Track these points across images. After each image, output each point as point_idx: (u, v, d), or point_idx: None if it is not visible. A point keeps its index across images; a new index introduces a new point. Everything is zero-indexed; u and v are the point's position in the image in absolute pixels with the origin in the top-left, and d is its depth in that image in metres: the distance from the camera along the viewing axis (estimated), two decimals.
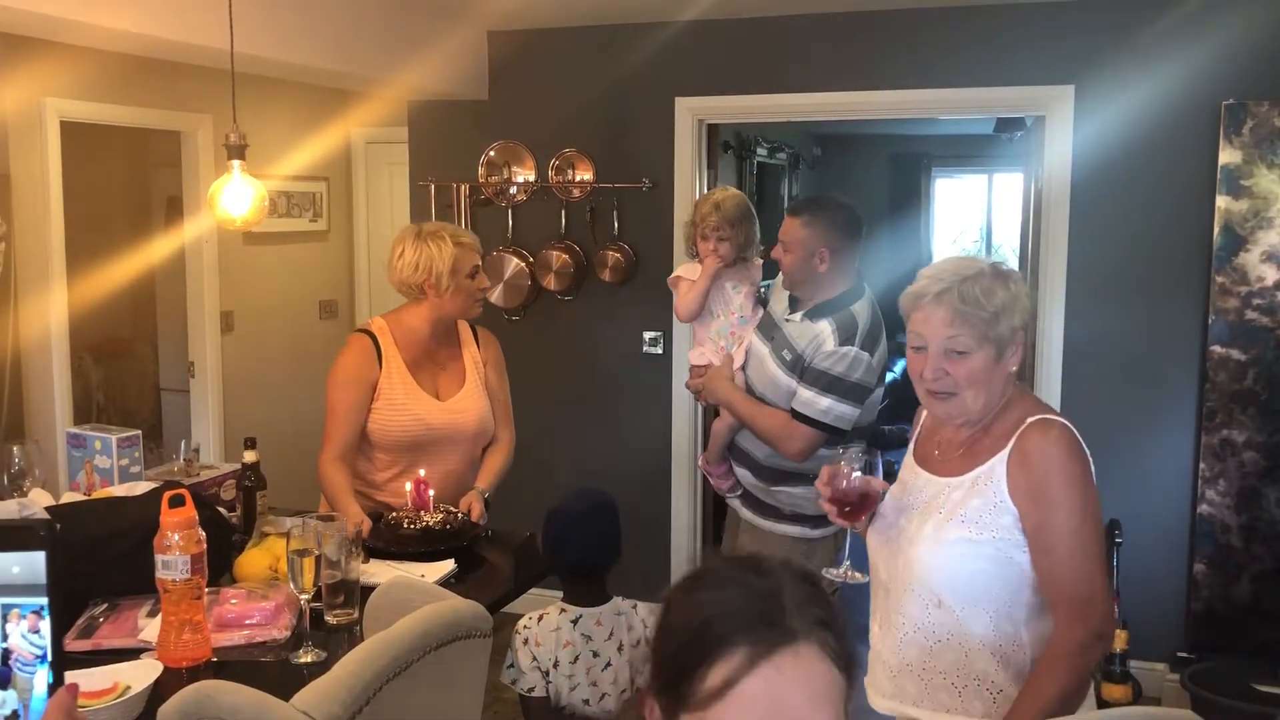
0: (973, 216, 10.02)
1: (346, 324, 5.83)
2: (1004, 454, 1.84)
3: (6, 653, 1.24)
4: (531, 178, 4.54)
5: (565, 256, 4.47)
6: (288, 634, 2.15)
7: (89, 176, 5.23)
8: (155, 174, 5.72)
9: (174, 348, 5.41)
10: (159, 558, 1.99)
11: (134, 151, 5.76)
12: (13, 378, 4.29)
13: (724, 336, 3.14)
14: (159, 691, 1.82)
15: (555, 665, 2.37)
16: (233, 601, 2.20)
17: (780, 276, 3.03)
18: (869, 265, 3.15)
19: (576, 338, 4.59)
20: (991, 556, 1.82)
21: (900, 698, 1.94)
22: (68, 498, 2.61)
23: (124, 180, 5.85)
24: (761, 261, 3.22)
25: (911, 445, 2.10)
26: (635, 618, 2.47)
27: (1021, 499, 1.81)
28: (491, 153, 4.58)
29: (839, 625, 1.03)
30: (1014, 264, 9.00)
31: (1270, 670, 3.67)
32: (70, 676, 1.29)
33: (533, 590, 2.67)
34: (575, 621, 2.40)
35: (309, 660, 2.05)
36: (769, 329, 3.00)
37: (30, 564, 1.24)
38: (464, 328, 3.07)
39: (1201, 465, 3.79)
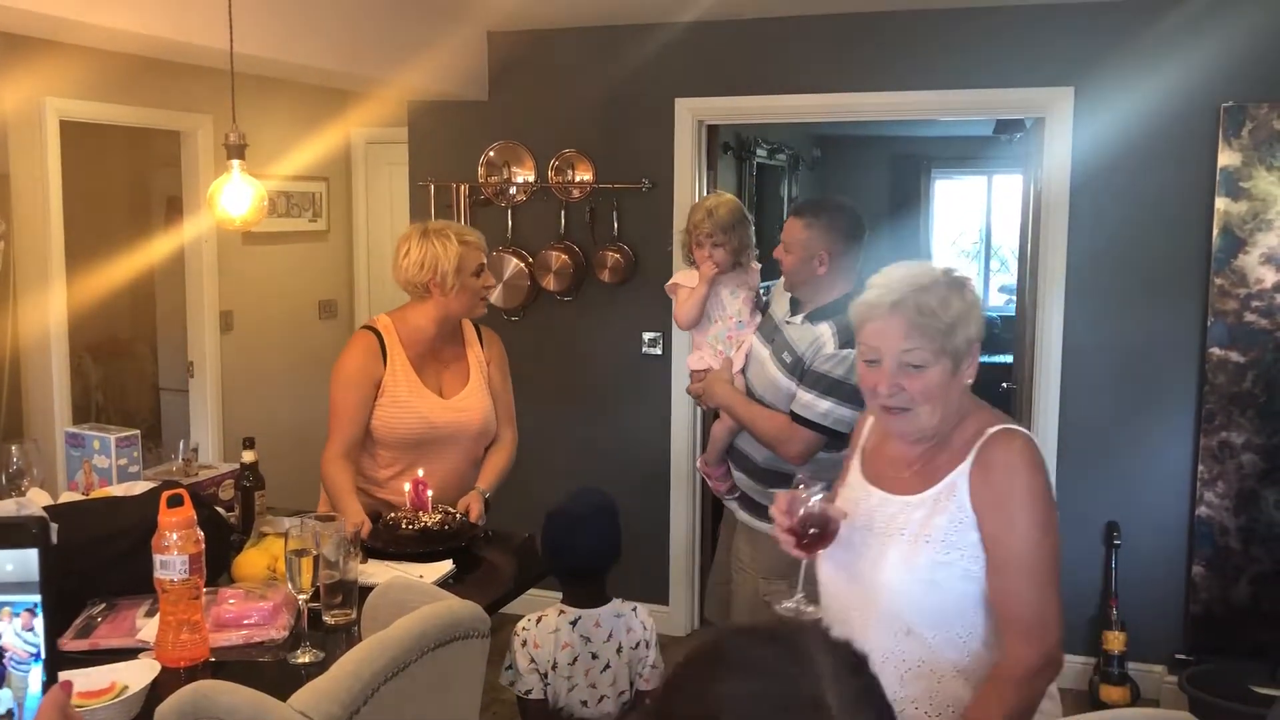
0: (972, 218, 10.02)
1: (346, 324, 5.83)
2: (965, 466, 1.76)
3: (1, 651, 1.24)
4: (531, 178, 4.55)
5: (565, 257, 4.47)
6: (286, 634, 2.15)
7: (89, 176, 5.23)
8: (155, 174, 5.72)
9: (173, 347, 5.41)
10: (157, 558, 1.99)
11: (134, 151, 5.76)
12: (11, 377, 4.29)
13: (721, 341, 3.14)
14: (157, 691, 1.82)
15: (554, 667, 2.37)
16: (231, 601, 2.20)
17: (782, 279, 3.03)
18: (869, 267, 3.14)
19: (576, 338, 4.59)
20: (961, 576, 1.74)
21: None
22: (66, 497, 2.61)
23: (124, 180, 5.85)
24: (759, 266, 3.22)
25: (857, 461, 1.99)
26: (635, 620, 2.47)
27: (983, 510, 1.73)
28: (491, 153, 4.59)
29: None
30: (1014, 266, 8.86)
31: (1269, 672, 3.67)
32: (67, 676, 1.29)
33: (531, 591, 2.67)
34: (574, 623, 2.40)
35: (307, 660, 2.05)
36: (770, 331, 3.00)
37: (23, 562, 1.24)
38: (468, 327, 3.08)
39: (1200, 467, 3.79)
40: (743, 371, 3.05)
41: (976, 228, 10.01)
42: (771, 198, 7.69)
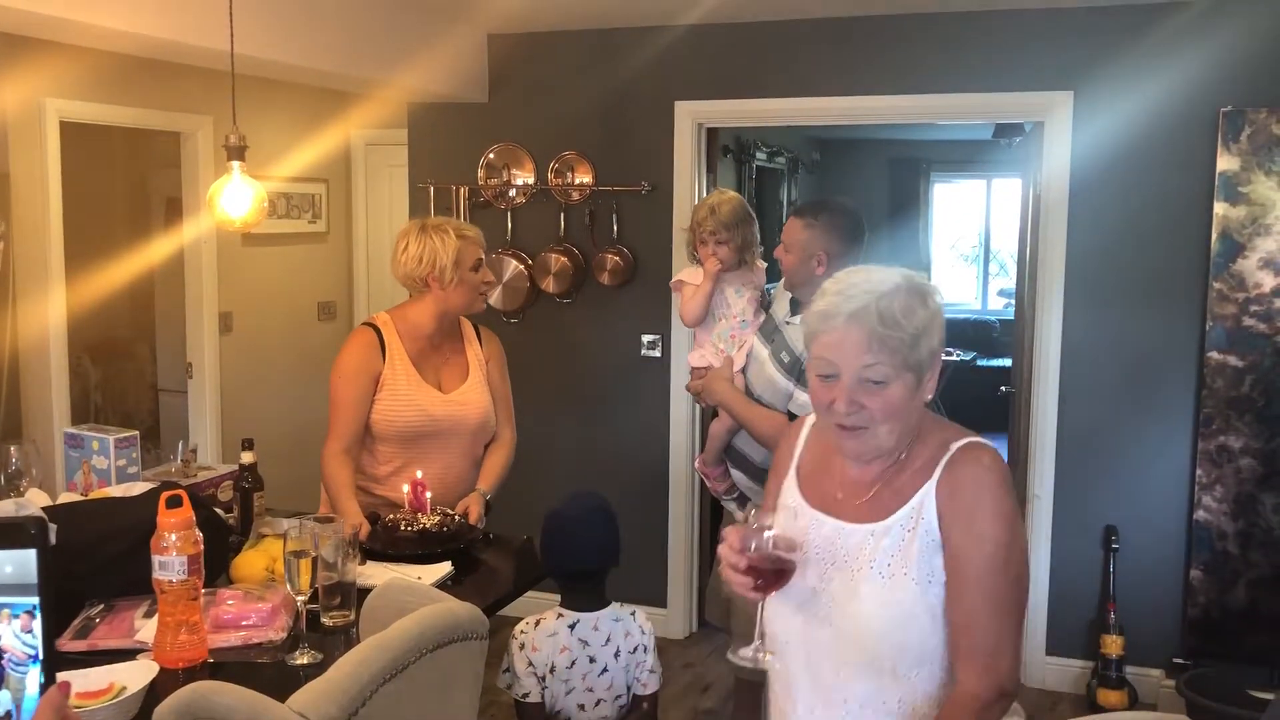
0: (971, 221, 10.04)
1: (345, 325, 5.83)
2: (931, 485, 1.62)
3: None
4: (531, 180, 4.55)
5: (564, 259, 4.48)
6: (284, 635, 2.15)
7: (88, 177, 5.23)
8: (155, 175, 5.72)
9: (172, 348, 5.41)
10: (156, 559, 1.99)
11: (133, 152, 5.76)
12: (10, 377, 4.28)
13: (724, 340, 3.15)
14: (155, 692, 1.82)
15: (551, 670, 2.37)
16: (229, 603, 2.20)
17: (783, 279, 3.04)
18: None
19: (575, 340, 4.59)
20: (937, 603, 1.60)
21: None
22: (65, 498, 2.61)
23: (123, 181, 5.85)
24: (765, 265, 3.23)
25: (793, 484, 1.78)
26: (633, 624, 2.47)
27: (948, 528, 1.59)
28: (491, 155, 4.59)
29: None
30: (1012, 269, 8.87)
31: (1266, 676, 3.67)
32: (66, 677, 1.29)
33: (530, 593, 2.67)
34: (573, 627, 2.40)
35: (305, 662, 2.05)
36: (770, 332, 3.00)
37: (22, 563, 1.24)
38: (467, 326, 3.09)
39: (1198, 471, 3.80)
40: (742, 371, 3.06)
41: (975, 231, 10.03)
42: (771, 200, 7.71)
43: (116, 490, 2.62)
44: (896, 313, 1.58)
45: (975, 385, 8.20)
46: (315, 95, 5.30)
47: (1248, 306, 3.69)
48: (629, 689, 2.45)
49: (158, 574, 1.99)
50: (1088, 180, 3.89)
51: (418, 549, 2.64)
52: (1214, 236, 3.71)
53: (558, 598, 2.49)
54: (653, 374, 4.48)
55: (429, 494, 2.78)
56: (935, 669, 1.61)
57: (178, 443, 3.27)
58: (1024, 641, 4.13)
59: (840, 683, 1.63)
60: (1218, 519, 3.78)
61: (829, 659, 1.64)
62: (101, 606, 2.21)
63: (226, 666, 2.04)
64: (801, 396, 2.80)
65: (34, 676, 1.24)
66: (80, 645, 2.05)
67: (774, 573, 1.58)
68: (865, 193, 9.04)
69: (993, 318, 9.52)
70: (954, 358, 8.48)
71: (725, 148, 6.25)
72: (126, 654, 2.03)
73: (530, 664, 2.37)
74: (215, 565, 2.34)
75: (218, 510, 2.68)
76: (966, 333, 9.21)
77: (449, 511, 2.76)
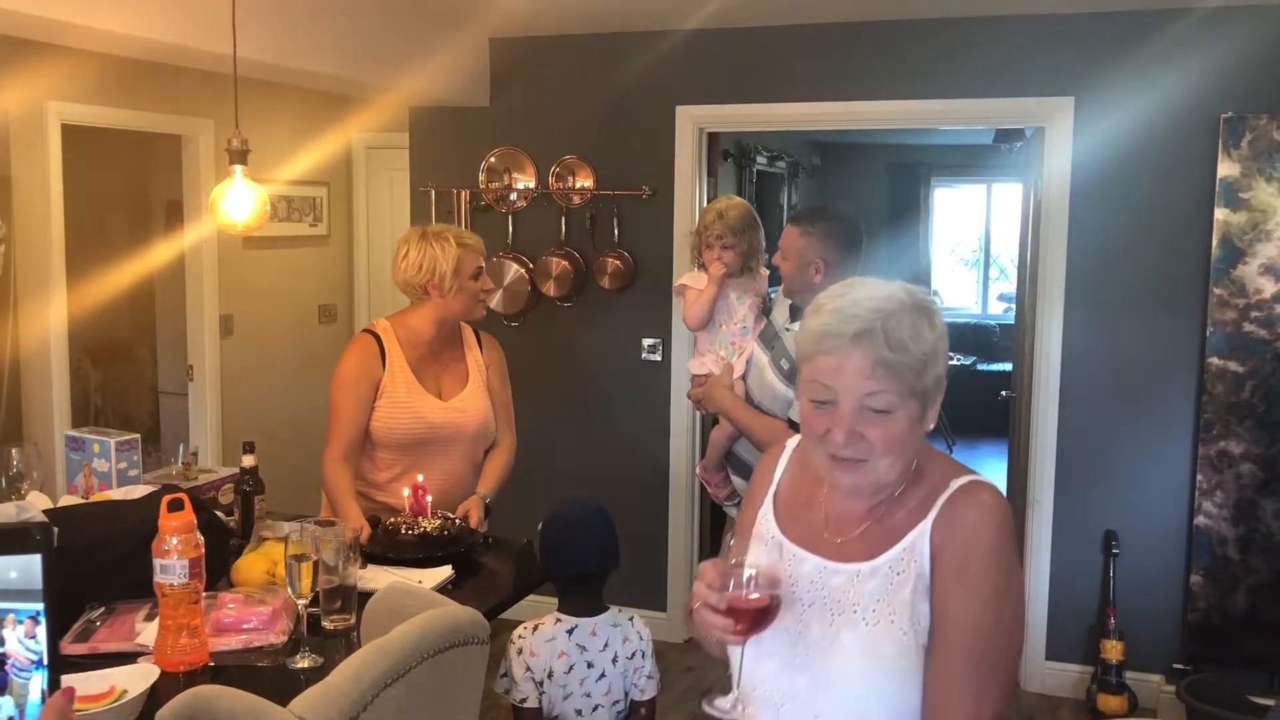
0: (971, 226, 10.05)
1: (345, 329, 5.83)
2: (926, 525, 1.46)
3: (3, 658, 1.24)
4: (532, 184, 4.55)
5: (565, 263, 4.48)
6: (285, 639, 2.15)
7: (89, 180, 5.23)
8: (156, 178, 5.72)
9: (173, 351, 5.41)
10: (157, 562, 1.99)
11: (135, 155, 5.76)
12: (11, 380, 4.29)
13: (725, 346, 3.15)
14: (156, 696, 1.82)
15: (549, 676, 2.37)
16: (230, 606, 2.20)
17: (782, 286, 3.05)
18: (866, 275, 3.15)
19: (576, 344, 4.59)
20: (924, 652, 1.45)
21: None
22: (66, 500, 2.61)
23: (124, 184, 5.85)
24: (767, 272, 3.23)
25: (768, 514, 1.63)
26: (631, 629, 2.47)
27: (939, 573, 1.44)
28: (492, 159, 4.59)
29: None
30: (1013, 274, 8.81)
31: (1266, 682, 3.67)
32: (67, 680, 1.29)
33: (530, 597, 2.67)
34: (571, 632, 2.40)
35: (306, 665, 2.05)
36: (770, 338, 3.01)
37: (27, 568, 1.24)
38: (468, 331, 3.09)
39: (1199, 477, 3.80)
40: (743, 378, 3.06)
41: (976, 236, 10.04)
42: (771, 205, 7.71)
43: (117, 493, 2.62)
44: (904, 335, 1.43)
45: (975, 390, 8.22)
46: (316, 99, 5.31)
47: (1248, 312, 3.69)
48: (627, 695, 2.44)
49: (159, 577, 1.99)
50: (1089, 185, 3.89)
51: (418, 553, 2.64)
52: (1215, 242, 3.71)
53: (556, 602, 2.48)
54: (653, 378, 4.48)
55: (429, 498, 2.78)
56: None
57: (178, 445, 3.27)
58: (1024, 646, 4.16)
59: None
60: (1218, 524, 3.78)
61: (805, 710, 1.48)
62: (102, 609, 2.21)
63: (227, 670, 2.04)
64: None
65: (37, 682, 1.24)
66: (81, 648, 2.05)
67: (757, 613, 1.41)
68: (865, 197, 9.06)
69: (993, 322, 9.53)
70: (954, 362, 8.50)
71: (725, 152, 6.26)
72: (127, 657, 2.03)
73: (528, 669, 2.37)
74: (216, 568, 2.34)
75: (218, 513, 2.69)
76: (966, 337, 9.23)
77: (449, 515, 2.77)
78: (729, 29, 4.21)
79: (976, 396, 8.13)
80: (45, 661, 1.24)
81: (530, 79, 4.53)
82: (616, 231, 4.44)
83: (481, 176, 4.61)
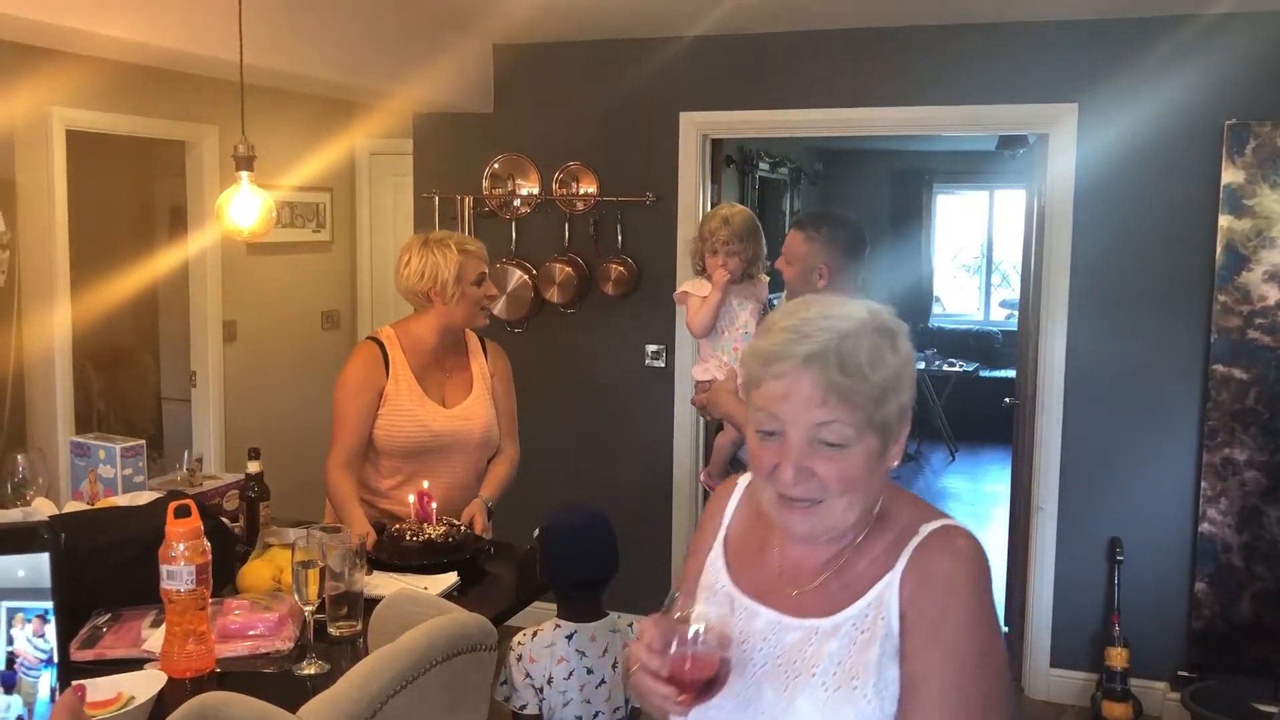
0: (973, 233, 10.06)
1: (349, 334, 5.84)
2: (894, 576, 1.30)
3: (12, 656, 1.24)
4: (535, 190, 4.56)
5: (568, 269, 4.48)
6: (291, 645, 2.15)
7: (93, 185, 5.24)
8: (159, 184, 5.74)
9: (176, 357, 5.42)
10: (164, 568, 1.99)
11: (138, 161, 5.77)
12: (15, 386, 4.29)
13: (728, 352, 3.16)
14: (163, 702, 1.82)
15: (549, 682, 2.36)
16: (236, 612, 2.20)
17: (786, 291, 3.05)
18: (869, 281, 3.16)
19: (579, 350, 4.59)
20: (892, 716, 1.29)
21: None
22: (71, 507, 2.61)
23: (128, 189, 5.87)
24: (768, 279, 3.24)
25: (718, 560, 1.47)
26: (631, 635, 2.46)
27: (911, 631, 1.28)
28: (496, 165, 4.60)
29: None
30: (1016, 283, 8.76)
31: (1271, 690, 3.66)
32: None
33: (535, 603, 2.67)
34: (570, 637, 2.40)
35: (312, 672, 2.05)
36: None
37: (35, 568, 1.25)
38: (473, 339, 3.09)
39: (1203, 484, 3.80)
40: None
41: (978, 242, 10.05)
42: (773, 211, 7.72)
43: (123, 499, 2.62)
44: (862, 359, 1.26)
45: (978, 396, 8.27)
46: (320, 105, 5.32)
47: (1252, 319, 3.70)
48: (627, 701, 2.44)
49: (166, 583, 1.99)
50: (1092, 192, 3.89)
51: (424, 559, 2.64)
52: (1218, 249, 3.71)
53: (556, 608, 2.48)
54: (657, 384, 4.48)
55: (434, 504, 2.78)
56: None
57: (181, 451, 3.27)
58: (1028, 653, 4.16)
59: None
60: (1222, 531, 3.78)
61: None
62: (109, 615, 2.21)
63: (233, 676, 2.04)
64: None
65: (46, 680, 1.24)
66: (87, 654, 2.05)
67: (704, 681, 1.22)
68: (868, 203, 9.06)
69: (995, 328, 9.54)
70: (957, 368, 8.50)
71: (728, 158, 6.27)
72: (134, 663, 2.02)
73: (527, 675, 2.37)
74: (222, 575, 2.34)
75: (224, 519, 2.69)
76: (969, 343, 9.24)
77: (454, 522, 2.77)
78: (732, 35, 4.22)
79: (979, 403, 8.18)
80: (54, 659, 1.24)
81: (534, 85, 4.54)
82: (620, 238, 4.45)
83: (485, 183, 4.61)
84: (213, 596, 2.13)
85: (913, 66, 4.04)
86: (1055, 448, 4.00)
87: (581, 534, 2.46)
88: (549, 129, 4.53)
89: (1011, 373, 6.51)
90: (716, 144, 4.53)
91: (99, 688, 1.83)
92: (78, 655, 2.03)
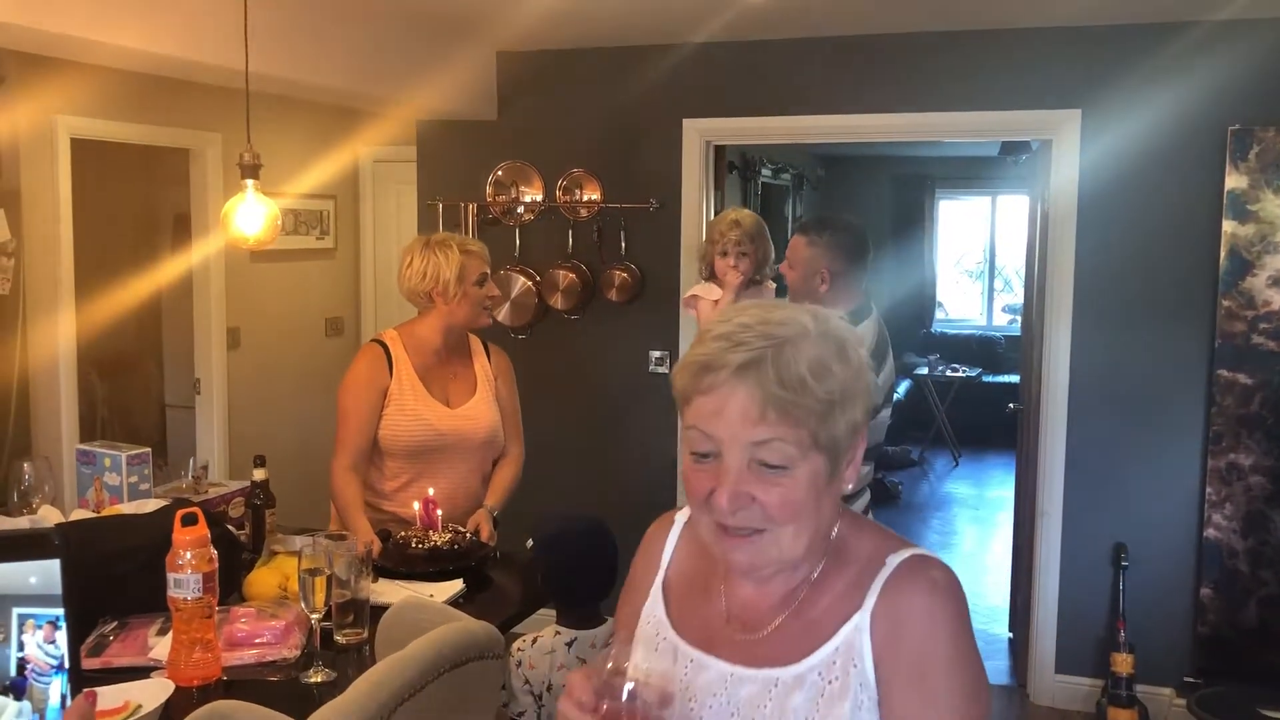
0: (976, 238, 10.06)
1: (353, 341, 5.84)
2: (863, 617, 1.16)
3: (23, 663, 1.25)
4: (539, 197, 4.56)
5: (572, 276, 4.49)
6: (298, 653, 2.15)
7: (98, 193, 5.25)
8: (163, 191, 5.74)
9: (180, 364, 5.42)
10: (171, 576, 1.99)
11: (142, 169, 5.78)
12: (20, 393, 4.29)
13: None
14: (169, 711, 1.82)
15: (549, 689, 2.36)
16: (243, 620, 2.20)
17: (788, 295, 3.06)
18: (871, 287, 3.16)
19: (583, 356, 4.60)
20: None
21: None
22: (77, 515, 2.61)
23: (132, 197, 5.87)
24: (774, 285, 3.25)
25: (661, 610, 1.31)
26: None
27: (891, 679, 1.14)
28: (499, 172, 4.60)
29: None
30: (1019, 289, 8.76)
31: (1278, 695, 3.65)
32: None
33: (540, 610, 2.66)
34: (570, 644, 2.39)
35: (319, 680, 2.05)
36: None
37: (46, 574, 1.25)
38: (475, 342, 3.10)
39: (1208, 489, 3.79)
40: None
41: (980, 247, 10.05)
42: (776, 217, 7.73)
43: (129, 507, 2.62)
44: (803, 369, 1.12)
45: (981, 401, 8.26)
46: (324, 112, 5.33)
47: (1257, 324, 3.69)
48: None
49: (173, 592, 1.99)
50: (1096, 198, 3.90)
51: (429, 566, 2.64)
52: (1223, 254, 3.72)
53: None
54: (661, 390, 4.47)
55: (440, 512, 2.78)
56: None
57: (185, 458, 3.28)
58: (1033, 659, 4.15)
59: None
60: (1228, 537, 3.77)
61: None
62: (115, 624, 2.20)
63: (240, 684, 2.03)
64: None
65: (56, 687, 1.25)
66: (94, 663, 2.05)
67: None
68: (870, 209, 9.07)
69: (997, 333, 9.54)
70: (960, 373, 8.50)
71: (731, 164, 6.28)
72: (140, 672, 2.03)
73: (526, 682, 2.36)
74: (228, 583, 2.33)
75: (229, 527, 2.69)
76: (972, 348, 9.24)
77: (460, 529, 2.77)
78: (736, 42, 4.22)
79: (982, 408, 8.18)
80: (65, 665, 1.24)
81: (537, 92, 4.55)
82: (623, 244, 4.45)
83: (489, 190, 4.62)
84: (219, 604, 2.13)
85: (916, 73, 4.05)
86: (1060, 453, 3.99)
87: (585, 548, 2.46)
88: (552, 136, 4.53)
89: (1014, 378, 6.51)
90: (719, 150, 4.54)
91: (106, 696, 1.83)
92: (84, 664, 2.03)
